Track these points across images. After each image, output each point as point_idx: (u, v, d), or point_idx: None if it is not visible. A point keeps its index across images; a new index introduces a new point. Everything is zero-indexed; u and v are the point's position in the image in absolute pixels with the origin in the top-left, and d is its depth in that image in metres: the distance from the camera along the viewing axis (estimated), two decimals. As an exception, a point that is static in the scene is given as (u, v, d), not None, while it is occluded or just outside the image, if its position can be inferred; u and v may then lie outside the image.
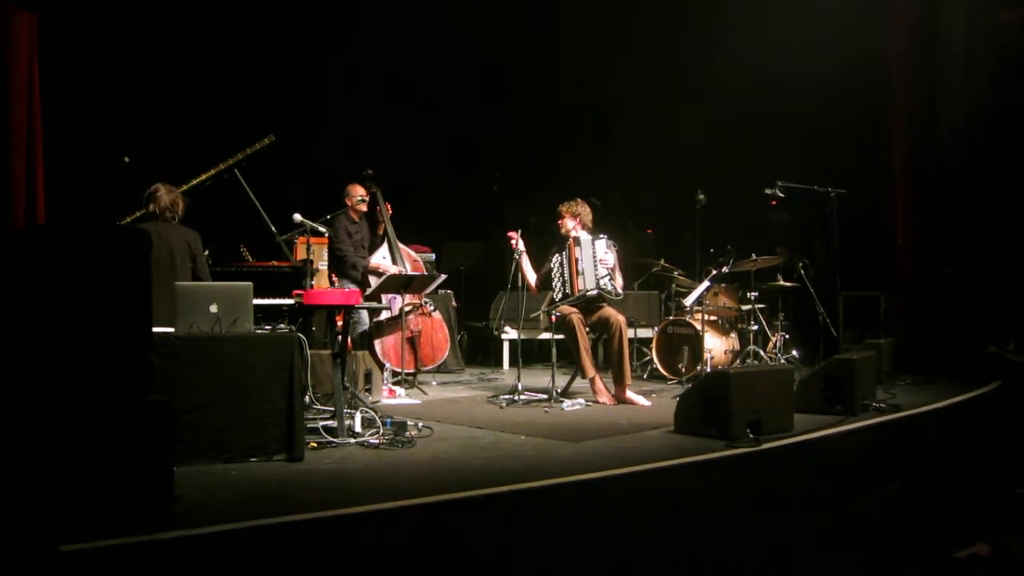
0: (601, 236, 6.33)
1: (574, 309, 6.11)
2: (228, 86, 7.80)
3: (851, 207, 8.01)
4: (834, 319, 7.44)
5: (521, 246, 6.22)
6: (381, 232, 7.04)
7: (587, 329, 6.12)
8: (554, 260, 6.32)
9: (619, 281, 6.32)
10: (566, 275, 6.23)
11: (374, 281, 6.69)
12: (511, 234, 6.25)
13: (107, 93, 7.05)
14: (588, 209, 6.43)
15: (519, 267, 6.25)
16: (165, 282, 4.55)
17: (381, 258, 6.90)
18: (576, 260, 6.21)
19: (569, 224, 6.35)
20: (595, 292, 6.14)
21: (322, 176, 7.82)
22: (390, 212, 7.03)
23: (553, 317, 6.16)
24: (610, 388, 6.10)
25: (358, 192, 6.94)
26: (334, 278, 6.88)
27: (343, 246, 6.83)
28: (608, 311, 6.15)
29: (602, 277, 6.17)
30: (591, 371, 6.03)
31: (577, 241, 6.25)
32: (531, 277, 6.35)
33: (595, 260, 6.21)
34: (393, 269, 6.79)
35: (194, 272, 5.09)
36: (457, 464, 4.07)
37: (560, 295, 6.24)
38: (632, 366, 6.53)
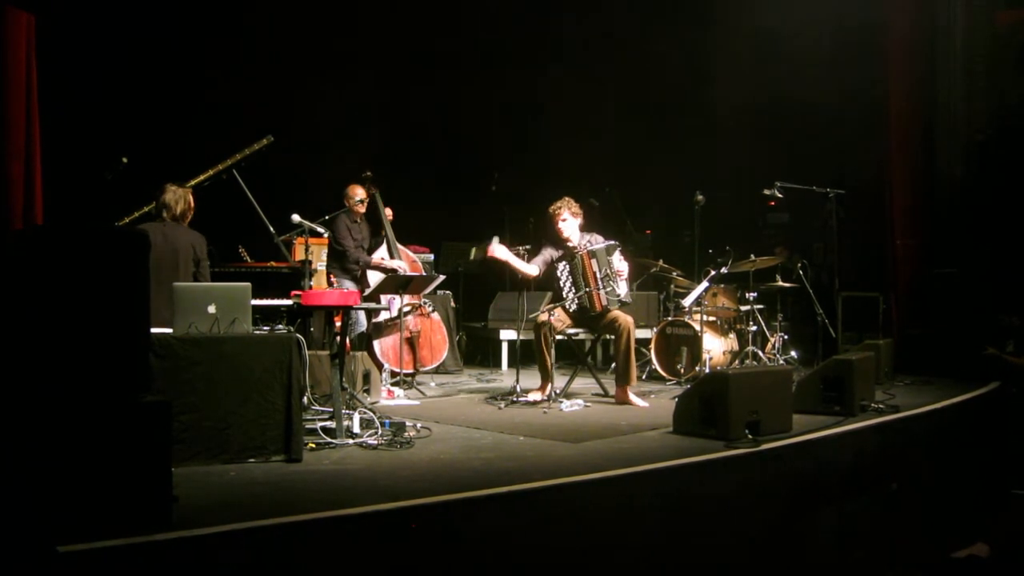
0: (613, 243, 6.13)
1: (564, 318, 6.00)
2: (227, 86, 7.80)
3: (850, 208, 8.02)
4: (833, 320, 7.44)
5: (500, 253, 5.98)
6: (382, 233, 7.05)
7: (585, 328, 6.07)
8: (561, 268, 6.05)
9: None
10: (582, 286, 5.96)
11: (373, 282, 6.69)
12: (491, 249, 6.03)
13: (105, 93, 7.04)
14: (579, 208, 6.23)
15: (511, 268, 6.12)
16: (167, 283, 4.54)
17: (380, 258, 6.91)
18: (594, 274, 5.98)
19: (572, 226, 6.10)
20: (618, 305, 6.02)
21: (320, 177, 7.82)
22: (391, 218, 7.04)
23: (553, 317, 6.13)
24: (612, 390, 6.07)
25: (357, 192, 6.96)
26: (332, 278, 6.88)
27: (344, 241, 6.83)
28: (616, 312, 6.06)
29: (623, 293, 6.04)
30: (548, 380, 5.97)
31: (592, 254, 5.99)
32: (530, 270, 6.13)
33: (613, 272, 6.00)
34: (394, 263, 6.81)
35: (195, 276, 5.10)
36: (456, 465, 4.06)
37: (575, 308, 6.01)
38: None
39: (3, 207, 4.97)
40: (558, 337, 6.25)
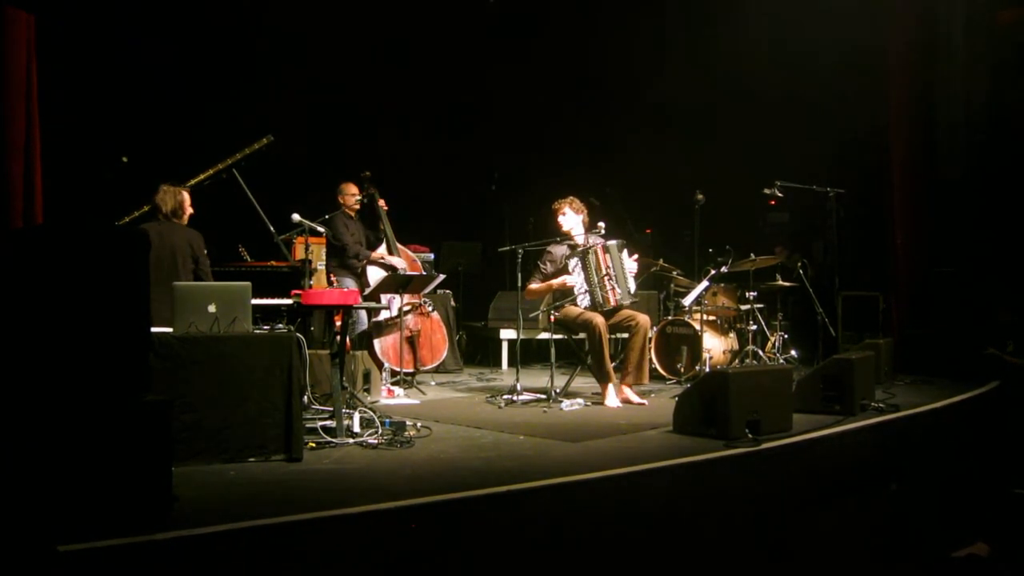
0: (620, 241, 6.22)
1: (595, 311, 5.99)
2: (226, 86, 7.80)
3: (850, 207, 8.01)
4: (833, 319, 7.43)
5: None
6: (380, 227, 7.06)
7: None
8: (573, 264, 6.04)
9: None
10: (595, 282, 5.97)
11: (373, 281, 6.70)
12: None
13: (105, 93, 7.04)
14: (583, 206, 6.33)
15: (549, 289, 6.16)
16: (166, 282, 4.55)
17: (380, 255, 6.92)
18: (609, 267, 6.03)
19: (573, 221, 6.21)
20: (629, 302, 6.08)
21: (320, 177, 7.81)
22: (386, 208, 7.04)
23: (553, 316, 6.13)
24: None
25: (351, 190, 6.98)
26: (332, 278, 6.88)
27: (343, 237, 6.84)
28: (632, 311, 6.10)
29: (632, 289, 6.12)
30: (613, 376, 5.92)
31: (607, 248, 6.07)
32: (553, 282, 6.17)
33: (624, 269, 6.11)
34: (393, 260, 6.83)
35: (196, 273, 5.10)
36: (456, 464, 4.06)
37: (588, 303, 5.99)
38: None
39: (3, 207, 4.97)
40: (557, 337, 6.27)
